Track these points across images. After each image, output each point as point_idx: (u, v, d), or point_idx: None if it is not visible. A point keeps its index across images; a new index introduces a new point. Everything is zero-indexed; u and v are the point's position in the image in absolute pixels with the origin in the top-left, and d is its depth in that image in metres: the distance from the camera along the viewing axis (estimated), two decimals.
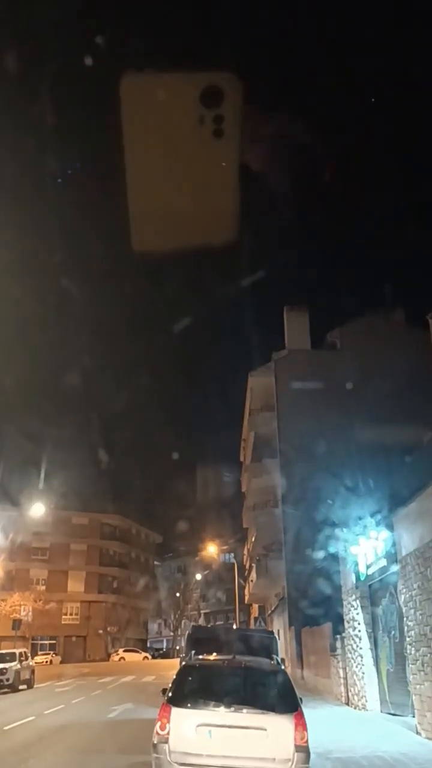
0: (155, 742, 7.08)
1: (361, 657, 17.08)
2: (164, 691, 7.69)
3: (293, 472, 31.32)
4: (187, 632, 17.62)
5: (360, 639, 17.36)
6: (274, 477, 34.20)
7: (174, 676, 7.91)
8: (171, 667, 21.81)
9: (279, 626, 33.32)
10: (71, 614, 58.33)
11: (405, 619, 13.43)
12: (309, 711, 7.92)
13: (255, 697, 7.46)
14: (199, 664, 8.24)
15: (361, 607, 17.52)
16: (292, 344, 36.68)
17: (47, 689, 25.17)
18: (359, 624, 17.51)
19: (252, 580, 41.10)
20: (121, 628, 62.02)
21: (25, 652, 27.88)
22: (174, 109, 2.89)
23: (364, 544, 16.21)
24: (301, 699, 7.54)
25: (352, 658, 17.90)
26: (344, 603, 19.20)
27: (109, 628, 60.07)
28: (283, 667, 8.63)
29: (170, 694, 7.43)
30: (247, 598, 47.23)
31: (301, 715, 7.15)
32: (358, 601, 17.69)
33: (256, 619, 43.16)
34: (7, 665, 24.29)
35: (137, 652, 57.22)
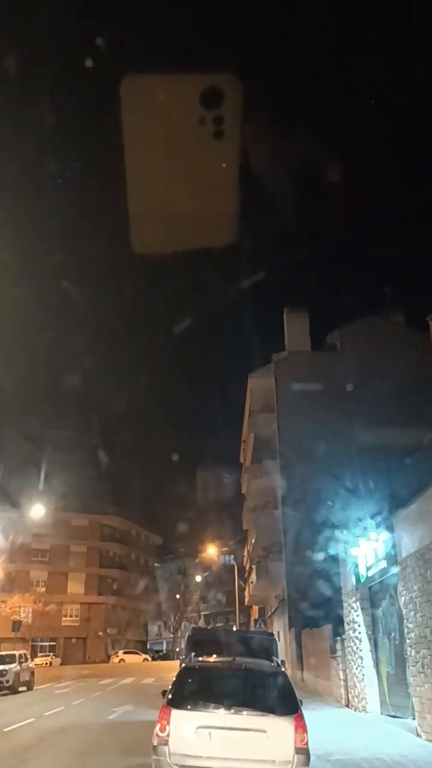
0: (155, 743, 7.07)
1: (361, 659, 17.06)
2: (164, 692, 7.69)
3: (293, 473, 31.30)
4: (187, 634, 17.59)
5: (360, 641, 17.34)
6: (274, 478, 34.19)
7: (174, 678, 7.89)
8: (171, 669, 21.79)
9: (279, 628, 33.29)
10: (71, 616, 58.30)
11: (405, 621, 13.42)
12: (309, 713, 7.90)
13: (255, 699, 7.45)
14: (199, 666, 8.23)
15: (361, 609, 17.50)
16: (292, 345, 36.68)
17: (47, 691, 25.14)
18: (359, 626, 17.49)
19: (252, 582, 41.08)
20: (121, 629, 61.98)
21: (24, 653, 27.86)
22: (174, 110, 2.88)
23: (364, 546, 16.19)
24: (301, 701, 7.52)
25: (352, 660, 17.88)
26: (344, 605, 19.18)
27: (109, 630, 60.03)
28: (283, 668, 8.62)
29: (170, 696, 7.42)
30: (247, 599, 47.19)
31: (301, 717, 7.14)
32: (358, 603, 17.67)
33: (256, 620, 43.13)
34: (6, 667, 24.25)
35: (137, 653, 57.21)
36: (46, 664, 46.73)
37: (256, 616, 46.02)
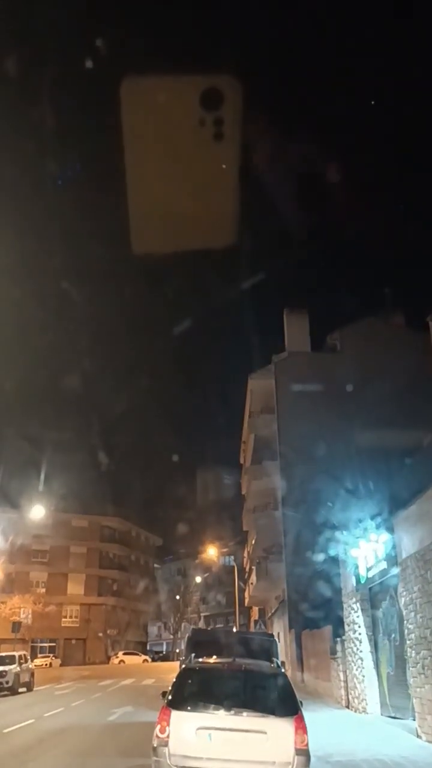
0: (155, 745, 7.06)
1: (362, 660, 17.05)
2: (164, 694, 7.68)
3: (293, 474, 31.28)
4: (187, 635, 17.58)
5: (360, 642, 17.32)
6: (274, 479, 34.17)
7: (174, 679, 7.89)
8: (171, 670, 21.78)
9: (279, 629, 33.26)
10: (71, 617, 58.25)
11: (405, 621, 13.41)
12: (309, 714, 7.90)
13: (255, 700, 7.44)
14: (199, 667, 8.22)
15: (362, 610, 17.49)
16: (292, 346, 36.68)
17: (47, 692, 25.11)
18: (359, 627, 17.48)
19: (252, 583, 41.04)
20: (120, 630, 61.93)
21: (24, 654, 27.83)
22: (174, 111, 2.89)
23: (365, 547, 16.18)
24: (301, 702, 7.51)
25: (353, 661, 17.86)
26: (344, 606, 19.17)
27: (108, 631, 59.99)
28: (283, 670, 8.61)
29: (170, 697, 7.41)
30: (247, 600, 47.15)
31: (302, 718, 7.13)
32: (358, 604, 17.66)
33: (256, 622, 43.10)
34: (6, 668, 24.23)
35: (137, 654, 57.15)
36: (46, 665, 46.68)
37: (256, 617, 45.99)
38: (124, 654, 56.00)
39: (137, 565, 68.90)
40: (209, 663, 8.43)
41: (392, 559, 14.26)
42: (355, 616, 17.85)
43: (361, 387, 30.79)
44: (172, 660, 54.95)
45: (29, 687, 25.69)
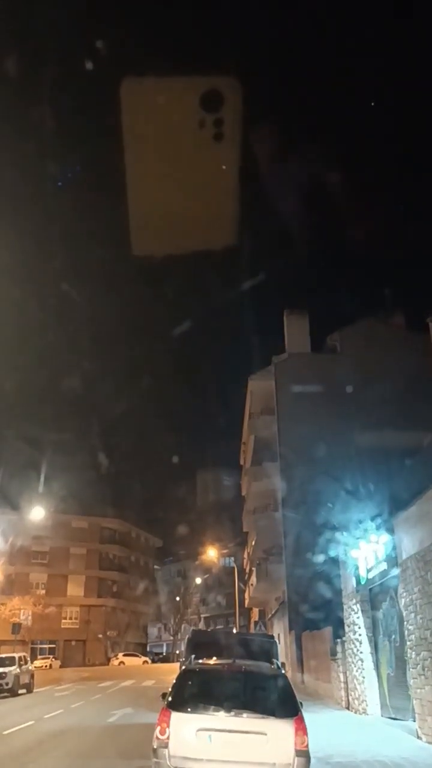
0: (155, 746, 7.05)
1: (362, 661, 17.04)
2: (164, 695, 7.67)
3: (293, 475, 31.27)
4: (187, 636, 17.57)
5: (360, 643, 17.32)
6: (274, 480, 34.16)
7: (174, 681, 7.88)
8: (171, 672, 21.75)
9: (279, 630, 33.24)
10: (71, 618, 58.21)
11: (405, 622, 13.40)
12: (309, 715, 7.89)
13: (255, 701, 7.43)
14: (199, 669, 8.21)
15: (362, 611, 17.48)
16: (292, 347, 36.70)
17: (47, 693, 25.09)
18: (360, 628, 17.47)
19: (252, 584, 41.03)
20: (120, 632, 61.89)
21: (24, 656, 27.81)
22: (174, 112, 2.89)
23: (365, 548, 16.18)
24: (301, 703, 7.51)
25: (353, 662, 17.85)
26: (345, 607, 19.16)
27: (108, 632, 59.95)
28: (283, 671, 8.60)
29: (170, 699, 7.40)
30: (247, 602, 47.14)
31: (302, 719, 7.13)
32: (358, 605, 17.65)
33: (256, 623, 43.04)
34: (6, 669, 24.20)
35: (137, 656, 57.09)
36: (46, 666, 46.64)
37: (257, 619, 45.92)
38: (124, 655, 55.96)
39: (137, 566, 68.87)
40: (209, 664, 8.42)
41: (392, 560, 14.26)
42: (355, 617, 17.84)
43: (361, 388, 30.80)
44: (172, 661, 54.91)
45: (29, 688, 25.66)
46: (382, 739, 12.84)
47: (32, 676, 26.62)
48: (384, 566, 14.98)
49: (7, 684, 23.78)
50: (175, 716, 7.10)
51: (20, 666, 25.21)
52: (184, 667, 8.85)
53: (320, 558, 22.40)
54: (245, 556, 48.91)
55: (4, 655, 26.78)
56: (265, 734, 6.93)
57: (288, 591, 31.20)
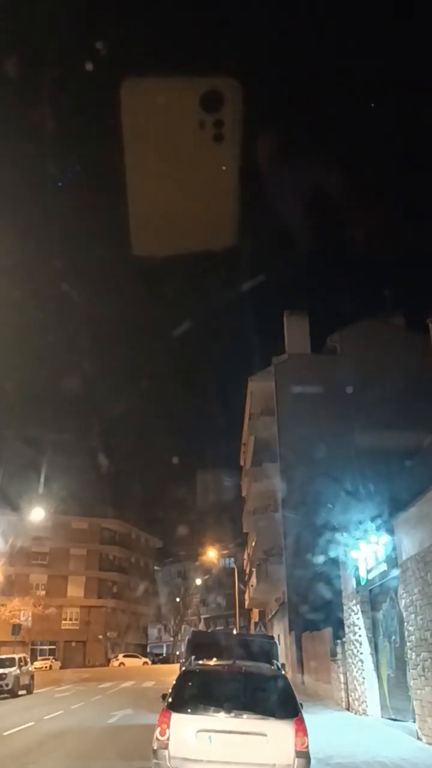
0: (155, 747, 7.05)
1: (362, 662, 17.03)
2: (164, 696, 7.67)
3: (293, 476, 31.27)
4: (187, 637, 17.58)
5: (360, 644, 17.31)
6: (274, 481, 34.16)
7: (174, 682, 7.88)
8: (171, 673, 21.73)
9: (279, 631, 33.22)
10: (71, 619, 58.18)
11: (405, 623, 13.40)
12: (309, 716, 7.89)
13: (255, 702, 7.43)
14: (199, 670, 8.21)
15: (362, 611, 17.48)
16: (292, 348, 36.70)
17: (47, 695, 25.08)
18: (360, 629, 17.46)
19: (252, 585, 41.02)
20: (120, 633, 61.86)
21: (24, 657, 27.78)
22: (174, 113, 2.89)
23: (365, 549, 16.18)
24: (301, 704, 7.51)
25: (353, 663, 17.84)
26: (345, 608, 19.15)
27: (108, 633, 59.91)
28: (283, 672, 8.60)
29: (170, 700, 7.40)
30: (247, 602, 47.13)
31: (302, 720, 7.12)
32: (358, 606, 17.64)
33: (256, 624, 43.02)
34: (6, 670, 24.19)
35: (137, 657, 57.05)
36: (46, 667, 46.62)
37: (257, 620, 45.90)
38: (124, 656, 55.93)
39: (137, 567, 68.85)
40: (209, 665, 8.42)
41: (392, 561, 14.25)
42: (355, 618, 17.83)
43: (361, 389, 30.81)
44: (172, 662, 54.85)
45: (29, 690, 25.65)
46: (382, 740, 12.84)
47: (32, 677, 26.61)
48: (384, 567, 14.98)
49: (7, 685, 23.77)
50: (176, 717, 7.10)
51: (20, 667, 25.19)
52: (184, 668, 8.85)
53: (320, 559, 22.39)
54: (245, 557, 48.90)
55: (4, 656, 26.77)
56: (265, 735, 6.92)
57: (288, 592, 31.19)
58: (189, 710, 7.22)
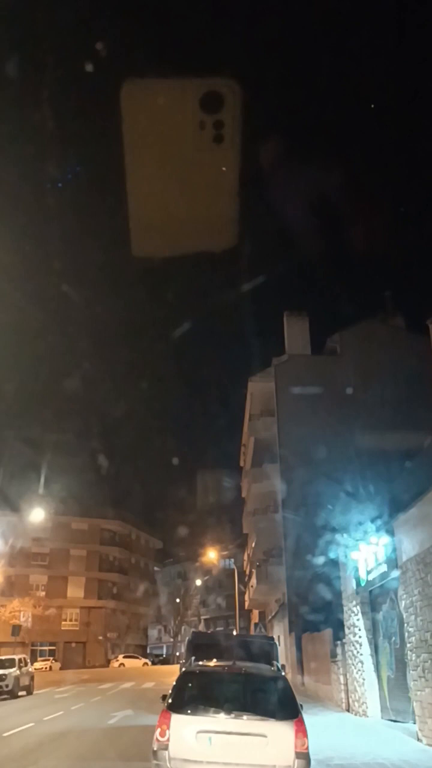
0: (155, 748, 7.04)
1: (362, 663, 17.02)
2: (164, 697, 7.66)
3: (293, 477, 31.27)
4: (187, 638, 17.56)
5: (360, 645, 17.30)
6: (274, 482, 34.16)
7: (174, 683, 7.87)
8: (171, 674, 21.75)
9: (279, 632, 33.20)
10: (71, 620, 58.13)
11: (405, 625, 13.39)
12: (309, 717, 7.89)
13: (255, 703, 7.42)
14: (199, 671, 8.21)
15: (362, 612, 17.47)
16: (292, 349, 36.71)
17: (47, 695, 25.06)
18: (360, 630, 17.45)
19: (252, 586, 40.98)
20: (120, 634, 61.81)
21: (24, 658, 27.76)
22: (174, 114, 2.89)
23: (365, 550, 16.17)
24: (301, 705, 7.51)
25: (353, 665, 17.83)
26: (345, 609, 19.14)
27: (108, 634, 59.86)
28: (283, 673, 8.61)
29: (170, 701, 7.40)
30: (247, 603, 47.08)
31: (302, 721, 7.12)
32: (358, 607, 17.63)
33: (256, 625, 42.99)
34: (6, 671, 24.17)
35: (137, 658, 57.01)
36: (46, 668, 46.60)
37: (257, 620, 45.87)
38: (124, 657, 55.88)
39: (137, 568, 68.82)
40: (209, 666, 8.42)
41: (392, 562, 14.25)
42: (355, 619, 17.82)
43: (361, 390, 30.83)
44: (172, 663, 54.85)
45: (29, 690, 25.63)
46: (382, 741, 12.82)
47: (32, 678, 26.59)
48: (384, 568, 14.97)
49: (6, 686, 23.75)
50: (175, 718, 7.10)
51: (20, 668, 25.17)
52: (184, 669, 8.85)
53: (320, 560, 22.39)
54: (245, 557, 48.87)
55: (3, 657, 26.73)
56: (265, 736, 6.92)
57: (288, 593, 31.17)
58: (189, 711, 7.22)
